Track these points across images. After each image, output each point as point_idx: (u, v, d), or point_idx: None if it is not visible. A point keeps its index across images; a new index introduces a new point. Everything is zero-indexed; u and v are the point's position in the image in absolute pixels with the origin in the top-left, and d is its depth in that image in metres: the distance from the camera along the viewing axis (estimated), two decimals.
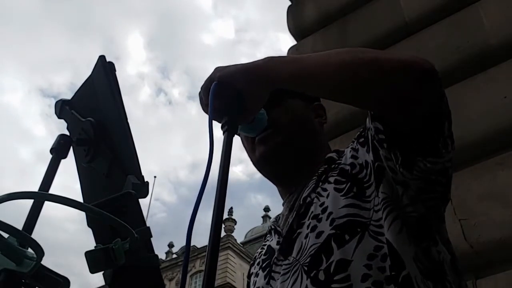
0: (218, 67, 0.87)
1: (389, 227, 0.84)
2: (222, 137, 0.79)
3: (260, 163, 1.08)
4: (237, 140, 1.06)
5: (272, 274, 0.95)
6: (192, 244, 0.74)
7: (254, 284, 1.02)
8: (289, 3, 3.55)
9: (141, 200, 0.80)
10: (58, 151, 0.88)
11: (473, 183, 2.15)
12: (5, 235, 0.66)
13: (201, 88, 0.87)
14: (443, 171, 0.86)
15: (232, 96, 0.82)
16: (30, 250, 0.67)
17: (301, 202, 0.98)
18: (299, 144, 1.07)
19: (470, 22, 2.53)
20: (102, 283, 0.78)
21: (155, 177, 37.81)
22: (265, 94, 0.85)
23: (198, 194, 0.70)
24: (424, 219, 0.87)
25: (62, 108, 0.98)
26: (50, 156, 0.88)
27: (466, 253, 2.00)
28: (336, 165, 0.98)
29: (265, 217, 39.05)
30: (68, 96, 1.01)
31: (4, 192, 0.63)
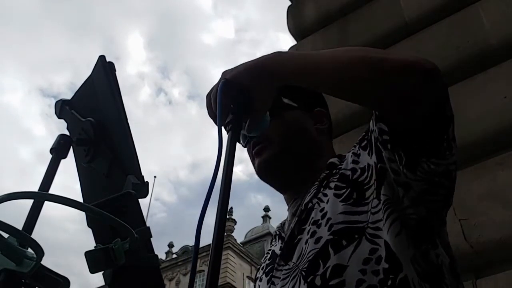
0: (226, 70, 0.87)
1: (388, 229, 0.84)
2: (226, 136, 0.79)
3: (260, 174, 1.11)
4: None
5: (273, 279, 0.95)
6: (193, 244, 0.74)
7: None
8: (289, 3, 3.55)
9: (141, 200, 0.80)
10: (58, 151, 0.88)
11: (473, 183, 2.15)
12: (5, 235, 0.66)
13: (209, 94, 0.87)
14: (446, 174, 0.86)
15: (239, 94, 0.82)
16: (30, 250, 0.67)
17: (303, 208, 0.99)
18: (295, 151, 1.08)
19: (470, 22, 2.53)
20: (102, 283, 0.78)
21: (155, 177, 37.92)
22: (271, 90, 0.85)
23: (207, 194, 0.70)
24: (425, 221, 0.87)
25: (62, 108, 0.98)
26: (50, 156, 0.88)
27: (466, 253, 2.00)
28: (337, 170, 0.99)
29: (265, 217, 39.05)
30: (68, 96, 1.02)
31: (4, 192, 0.64)
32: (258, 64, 0.85)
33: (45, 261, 0.66)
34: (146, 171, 0.89)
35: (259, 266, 1.13)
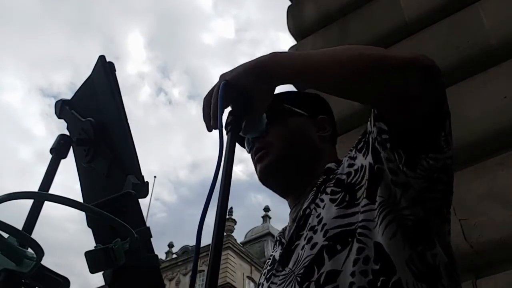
0: (225, 72, 0.87)
1: (383, 231, 0.84)
2: (226, 136, 0.79)
3: (261, 179, 1.12)
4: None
5: (271, 285, 0.96)
6: (193, 244, 0.74)
7: None
8: (289, 3, 3.55)
9: (141, 200, 0.80)
10: (58, 151, 0.89)
11: (473, 183, 2.15)
12: (5, 235, 0.66)
13: (206, 96, 0.86)
14: (444, 168, 0.86)
15: (238, 95, 0.82)
16: (30, 250, 0.67)
17: (301, 214, 0.99)
18: (297, 158, 1.09)
19: (470, 22, 2.53)
20: (102, 283, 0.78)
21: (155, 177, 37.91)
22: (270, 90, 0.86)
23: (208, 195, 0.70)
24: (422, 222, 0.87)
25: (62, 108, 0.98)
26: (50, 156, 0.88)
27: (466, 253, 1.99)
28: (334, 175, 0.99)
29: (265, 217, 39.05)
30: (68, 96, 1.02)
31: (4, 192, 0.64)
32: (257, 64, 0.85)
33: (45, 261, 0.66)
34: (146, 171, 0.89)
35: (262, 272, 1.14)
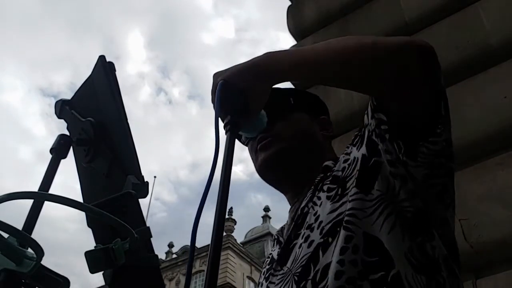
0: (218, 71, 0.87)
1: (382, 225, 0.83)
2: (225, 136, 0.79)
3: (262, 169, 1.10)
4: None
5: (269, 284, 0.96)
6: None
7: None
8: (289, 2, 3.56)
9: (141, 200, 0.80)
10: (58, 151, 0.88)
11: (473, 183, 2.15)
12: (5, 235, 0.66)
13: (211, 93, 0.87)
14: (442, 151, 0.85)
15: (235, 95, 0.83)
16: (30, 250, 0.67)
17: (299, 213, 0.99)
18: (300, 153, 1.09)
19: (470, 22, 2.53)
20: (102, 283, 0.78)
21: (155, 177, 37.93)
22: (266, 89, 0.86)
23: (203, 195, 0.70)
24: (421, 213, 0.86)
25: (62, 108, 0.98)
26: (50, 156, 0.88)
27: (466, 253, 1.99)
28: (331, 173, 0.99)
29: (265, 217, 39.04)
30: (68, 95, 1.02)
31: (4, 192, 0.64)
32: (254, 64, 0.85)
33: (45, 261, 0.66)
34: (146, 171, 0.89)
35: (261, 271, 1.14)
